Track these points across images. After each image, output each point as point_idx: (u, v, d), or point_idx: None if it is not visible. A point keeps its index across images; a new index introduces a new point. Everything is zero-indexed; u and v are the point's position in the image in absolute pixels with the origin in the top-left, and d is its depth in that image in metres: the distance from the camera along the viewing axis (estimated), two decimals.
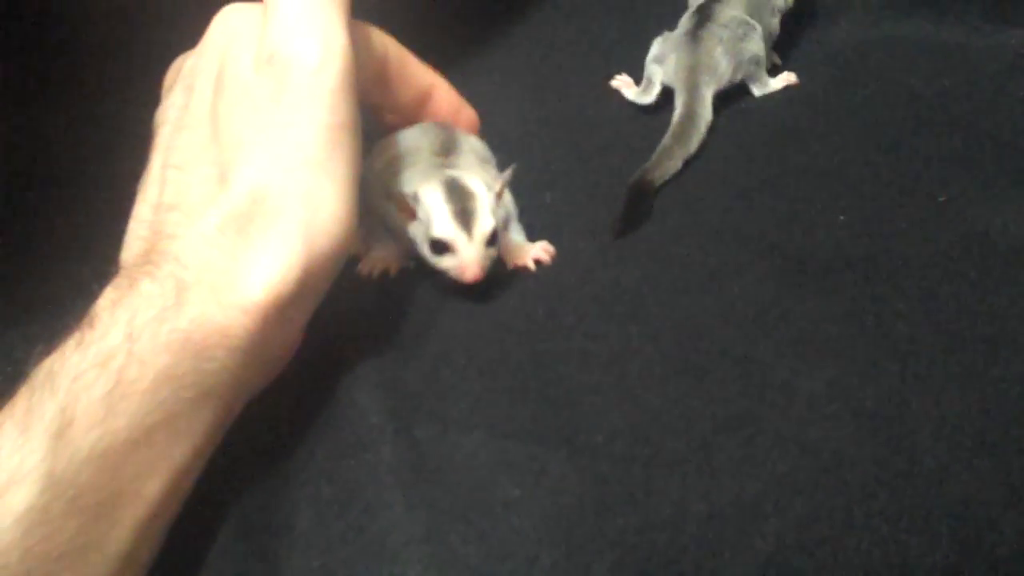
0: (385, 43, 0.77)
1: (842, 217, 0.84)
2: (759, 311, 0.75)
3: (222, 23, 0.69)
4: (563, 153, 0.94)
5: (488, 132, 0.88)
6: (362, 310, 0.77)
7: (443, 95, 0.83)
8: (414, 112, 0.82)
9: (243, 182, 0.64)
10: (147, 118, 0.73)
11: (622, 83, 1.03)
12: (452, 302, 0.77)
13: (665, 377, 0.70)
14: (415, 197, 0.76)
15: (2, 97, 0.91)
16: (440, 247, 0.75)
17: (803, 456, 0.65)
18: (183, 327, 0.59)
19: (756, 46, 1.02)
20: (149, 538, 0.60)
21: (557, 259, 0.81)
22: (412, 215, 0.76)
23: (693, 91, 0.98)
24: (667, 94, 0.99)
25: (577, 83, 1.02)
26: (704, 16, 1.03)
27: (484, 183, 0.77)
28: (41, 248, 0.87)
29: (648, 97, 1.01)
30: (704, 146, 0.94)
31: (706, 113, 0.97)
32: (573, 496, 0.63)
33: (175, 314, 0.59)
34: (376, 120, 0.84)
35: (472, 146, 0.84)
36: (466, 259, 0.74)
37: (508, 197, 0.81)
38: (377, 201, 0.80)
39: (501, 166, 0.85)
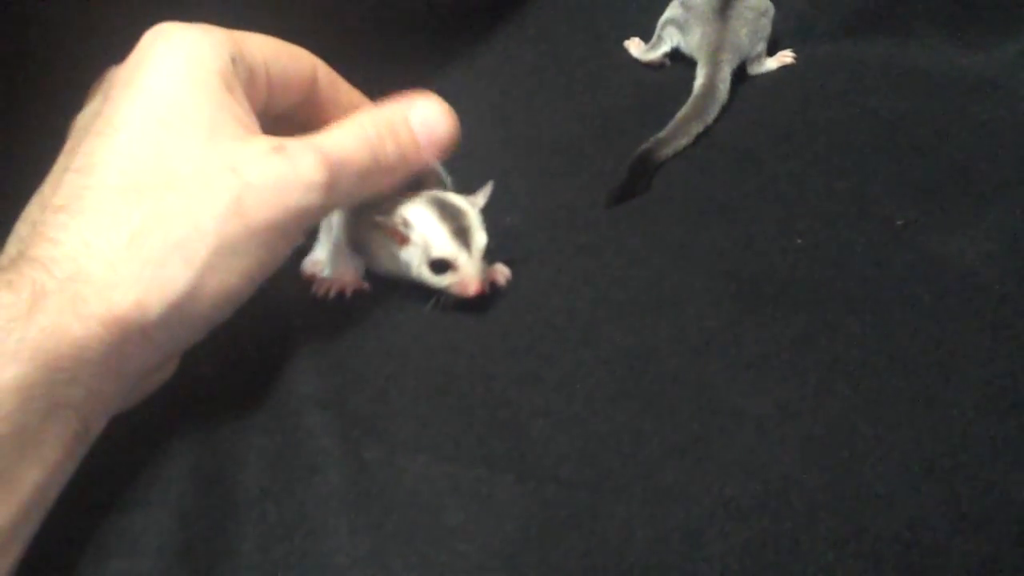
0: (315, 64, 0.76)
1: (799, 241, 0.84)
2: (712, 335, 0.75)
3: (152, 39, 0.67)
4: (525, 176, 0.94)
5: (453, 154, 0.88)
6: (315, 331, 0.77)
7: None
8: None
9: (146, 200, 0.62)
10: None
11: (631, 43, 1.10)
12: (405, 324, 0.77)
13: (615, 401, 0.70)
14: (406, 222, 0.76)
15: None
16: (441, 266, 0.76)
17: (750, 480, 0.65)
18: (32, 336, 0.56)
19: (770, 26, 1.08)
20: None
21: (513, 282, 0.81)
22: (404, 240, 0.76)
23: (716, 66, 1.04)
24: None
25: (540, 106, 1.02)
26: None
27: (468, 200, 0.78)
28: None
29: (654, 54, 1.08)
30: (661, 172, 0.94)
31: (725, 87, 1.03)
32: (519, 521, 0.63)
33: (24, 324, 0.56)
34: None
35: (431, 169, 0.84)
36: (468, 275, 0.75)
37: None
38: (341, 225, 0.81)
39: (463, 189, 0.84)
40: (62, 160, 0.67)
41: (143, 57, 0.67)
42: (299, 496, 0.65)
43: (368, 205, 0.79)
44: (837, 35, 1.10)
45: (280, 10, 0.89)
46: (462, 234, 0.75)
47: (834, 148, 0.96)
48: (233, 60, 0.67)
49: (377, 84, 0.89)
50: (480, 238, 0.76)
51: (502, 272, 0.81)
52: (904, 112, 1.00)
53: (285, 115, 0.75)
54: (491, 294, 0.80)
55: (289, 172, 0.65)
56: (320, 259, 0.83)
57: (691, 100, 1.01)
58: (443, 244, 0.75)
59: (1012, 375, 0.73)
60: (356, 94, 0.79)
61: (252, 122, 0.68)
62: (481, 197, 0.79)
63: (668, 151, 0.94)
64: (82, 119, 0.70)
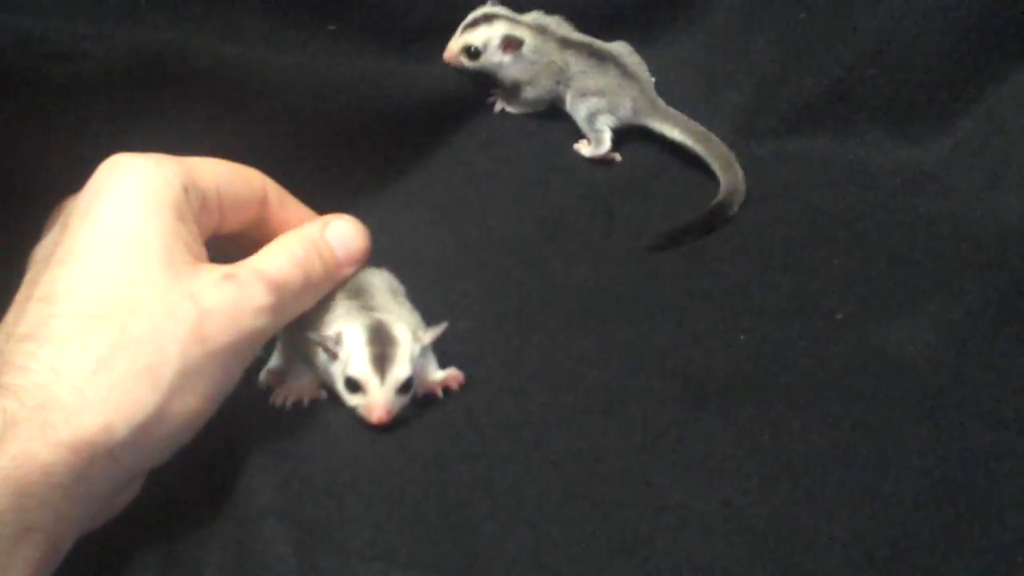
0: (265, 184, 0.79)
1: (742, 337, 0.87)
2: (658, 434, 0.78)
3: (108, 171, 0.70)
4: (478, 279, 0.96)
5: (402, 260, 0.90)
6: (272, 441, 0.78)
7: None
8: None
9: (111, 327, 0.65)
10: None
11: (581, 145, 1.13)
12: (359, 432, 0.78)
13: (564, 503, 0.72)
14: (338, 338, 0.78)
15: None
16: (353, 385, 0.78)
17: None
18: (3, 464, 0.58)
19: None
20: None
21: (465, 386, 0.83)
22: (335, 355, 0.78)
23: (667, 113, 1.12)
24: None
25: (493, 209, 1.05)
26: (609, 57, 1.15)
27: (411, 331, 0.79)
28: None
29: (603, 147, 1.11)
30: (611, 272, 0.97)
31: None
32: None
33: None
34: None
35: (382, 280, 0.86)
36: (374, 401, 0.77)
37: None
38: (296, 338, 0.82)
39: (417, 293, 0.87)
40: (24, 290, 0.69)
41: (99, 187, 0.70)
42: None
43: (313, 318, 0.81)
44: (779, 132, 1.12)
45: (239, 118, 0.93)
46: (382, 361, 0.77)
47: (777, 244, 0.98)
48: (185, 189, 0.71)
49: (333, 190, 0.92)
50: (399, 371, 0.77)
51: (455, 377, 0.83)
52: (845, 207, 1.03)
53: (237, 233, 0.78)
54: (445, 398, 0.82)
55: (241, 299, 0.69)
56: (276, 369, 0.85)
57: (696, 146, 1.09)
58: (359, 365, 0.77)
59: (949, 464, 0.75)
60: (304, 210, 0.83)
61: (201, 250, 0.72)
62: (430, 335, 0.81)
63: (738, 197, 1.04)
64: (41, 250, 0.73)
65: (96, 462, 0.62)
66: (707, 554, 0.68)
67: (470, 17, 1.11)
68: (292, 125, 0.97)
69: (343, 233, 0.80)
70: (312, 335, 0.79)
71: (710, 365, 0.84)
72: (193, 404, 0.68)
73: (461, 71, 1.12)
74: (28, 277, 0.71)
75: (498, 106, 1.15)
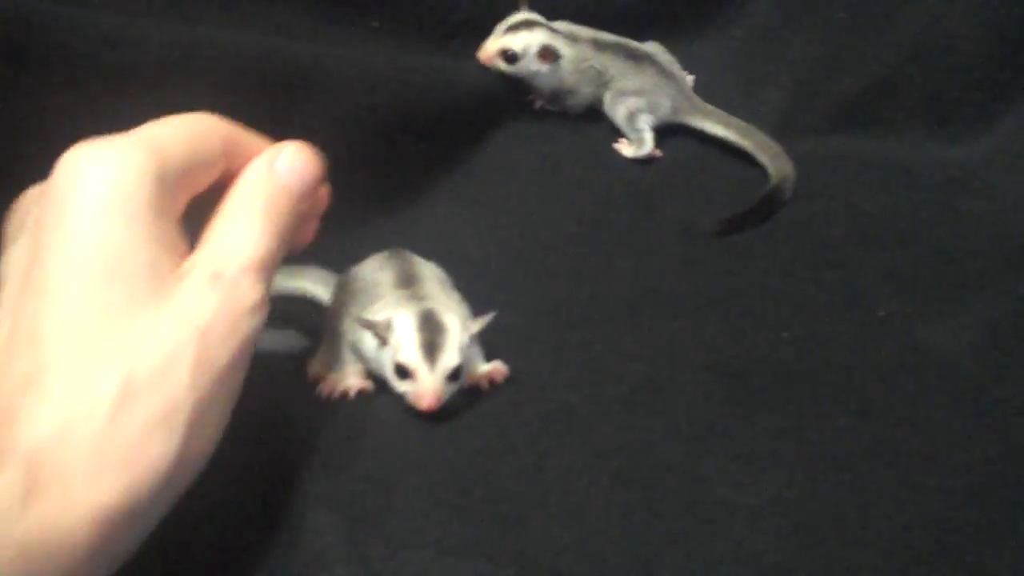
0: (223, 133, 0.70)
1: (785, 334, 0.87)
2: (703, 428, 0.78)
3: (72, 171, 0.61)
4: (522, 276, 0.97)
5: (447, 255, 0.91)
6: (320, 431, 0.79)
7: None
8: None
9: (113, 370, 0.58)
10: None
11: (621, 145, 1.13)
12: (407, 422, 0.79)
13: (611, 495, 0.73)
14: (389, 324, 0.79)
15: None
16: (403, 372, 0.78)
17: (743, 571, 0.67)
18: (21, 532, 0.54)
19: None
20: None
21: (510, 379, 0.83)
22: (385, 341, 0.79)
23: (706, 110, 1.14)
24: None
25: (536, 207, 1.06)
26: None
27: (460, 321, 0.80)
28: None
29: (646, 148, 1.12)
30: (653, 267, 0.98)
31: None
32: None
33: (15, 520, 0.54)
34: None
35: (431, 272, 0.87)
36: (423, 388, 0.77)
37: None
38: (344, 327, 0.83)
39: (459, 288, 0.88)
40: (5, 322, 0.61)
41: (67, 193, 0.61)
42: None
43: (362, 306, 0.82)
44: (820, 130, 1.13)
45: (286, 112, 0.94)
46: (432, 349, 0.78)
47: (817, 242, 0.99)
48: (160, 179, 0.62)
49: (376, 186, 0.93)
50: (449, 359, 0.78)
51: (499, 370, 0.83)
52: (886, 205, 1.04)
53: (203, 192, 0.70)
54: (490, 391, 0.82)
55: (234, 301, 0.63)
56: (325, 360, 0.85)
57: (741, 140, 1.11)
58: (409, 352, 0.78)
59: (994, 461, 0.75)
60: (254, 138, 0.73)
61: (182, 242, 0.65)
62: (478, 324, 0.81)
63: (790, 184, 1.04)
64: (10, 262, 0.65)
65: (119, 525, 0.57)
66: (753, 547, 0.68)
67: (510, 20, 1.11)
68: (339, 120, 0.98)
69: (295, 167, 0.71)
70: (362, 319, 0.80)
71: (754, 361, 0.84)
72: (209, 435, 0.62)
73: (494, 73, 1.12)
74: (3, 296, 0.63)
75: (538, 103, 1.15)
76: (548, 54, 1.10)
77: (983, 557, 0.69)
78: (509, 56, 1.10)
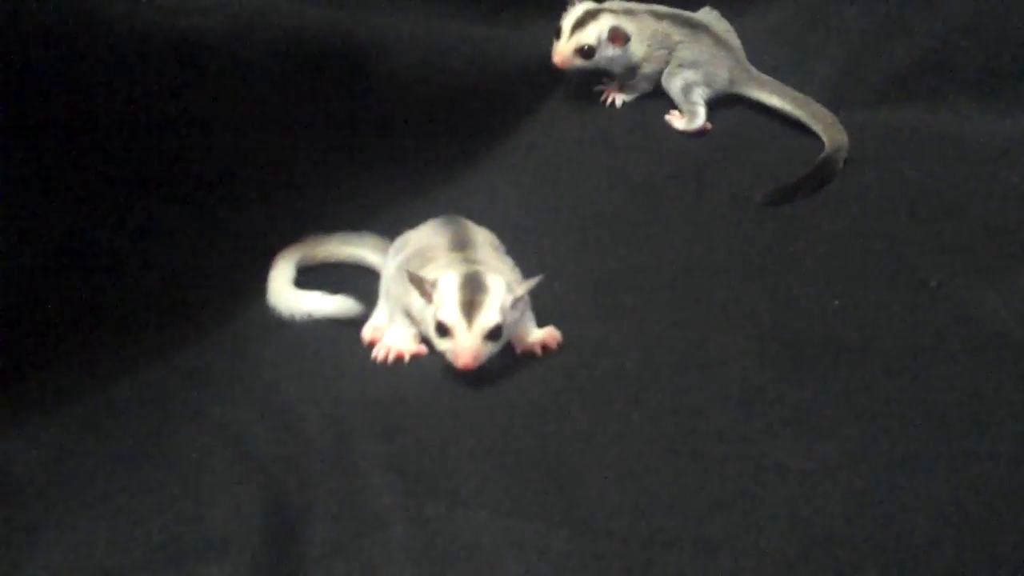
0: None
1: (836, 303, 0.87)
2: (754, 394, 0.79)
3: None
4: (572, 244, 0.98)
5: (500, 223, 0.92)
6: (376, 395, 0.81)
7: None
8: None
9: None
10: None
11: (673, 117, 1.13)
12: (462, 387, 0.81)
13: (664, 457, 0.74)
14: (434, 283, 0.80)
15: None
16: (443, 329, 0.80)
17: (795, 532, 0.68)
18: None
19: None
20: None
21: (563, 345, 0.85)
22: (429, 298, 0.81)
23: (760, 80, 1.13)
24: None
25: (585, 177, 1.06)
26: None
27: (505, 283, 0.81)
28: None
29: (699, 121, 1.12)
30: (703, 236, 0.98)
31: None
32: (575, 572, 0.66)
33: None
34: None
35: (485, 237, 0.88)
36: (461, 346, 0.79)
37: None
38: (399, 290, 0.85)
39: (512, 256, 0.89)
40: None
41: None
42: (366, 551, 0.69)
43: (416, 267, 0.83)
44: (869, 103, 1.13)
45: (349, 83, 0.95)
46: (471, 308, 0.79)
47: (868, 212, 0.99)
48: None
49: (431, 159, 0.94)
50: (488, 318, 0.79)
51: (552, 336, 0.84)
52: (936, 176, 1.04)
53: None
54: (543, 356, 0.84)
55: None
56: (379, 325, 0.87)
57: (797, 110, 1.11)
58: (448, 310, 0.79)
59: None
60: None
61: None
62: (525, 286, 0.83)
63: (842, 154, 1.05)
64: None
65: None
66: (805, 511, 0.69)
67: (572, 17, 1.09)
68: (394, 91, 0.99)
69: None
70: (411, 274, 0.81)
71: (805, 328, 0.85)
72: None
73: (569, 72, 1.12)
74: None
75: (612, 99, 1.15)
76: (619, 35, 1.10)
77: None
78: (587, 51, 1.09)
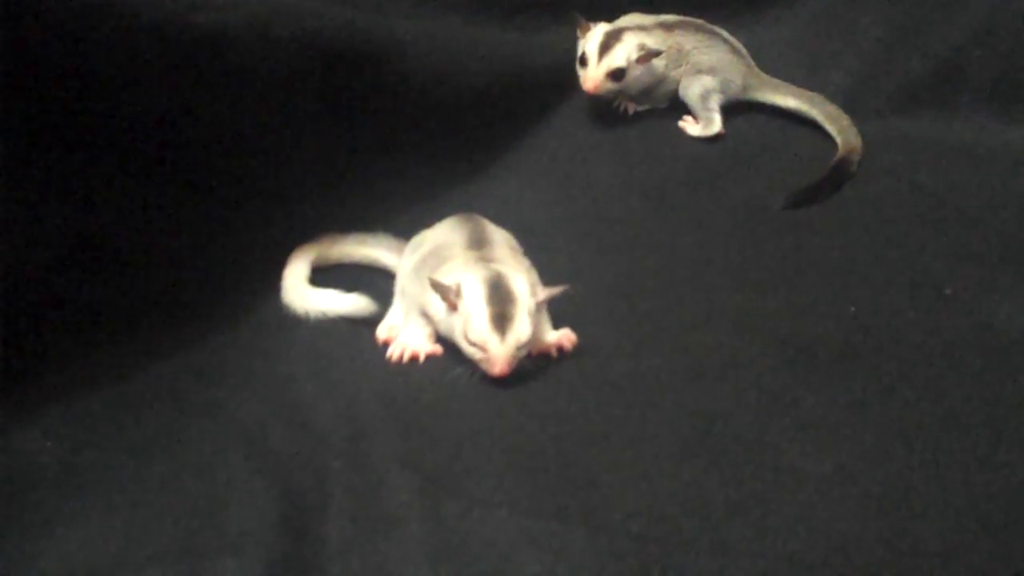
0: None
1: (852, 309, 0.87)
2: (771, 398, 0.79)
3: None
4: (588, 248, 0.98)
5: (515, 226, 0.93)
6: (391, 394, 0.81)
7: None
8: None
9: None
10: None
11: (686, 123, 1.13)
12: (477, 386, 0.81)
13: (680, 460, 0.74)
14: (458, 290, 0.80)
15: None
16: (474, 345, 0.80)
17: (812, 536, 0.68)
18: None
19: None
20: None
21: (579, 347, 0.85)
22: (454, 307, 0.80)
23: (774, 83, 1.14)
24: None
25: (600, 180, 1.07)
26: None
27: (528, 285, 0.81)
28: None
29: (715, 127, 1.12)
30: (718, 241, 0.98)
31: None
32: (592, 572, 0.66)
33: None
34: None
35: (503, 236, 0.89)
36: (495, 357, 0.79)
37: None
38: (415, 290, 0.85)
39: (529, 258, 0.89)
40: None
41: None
42: (381, 548, 0.69)
43: (432, 265, 0.83)
44: (883, 112, 1.13)
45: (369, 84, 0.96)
46: (502, 320, 0.79)
47: (882, 220, 0.99)
48: None
49: (447, 164, 0.94)
50: (520, 330, 0.79)
51: (568, 338, 0.84)
52: (950, 186, 1.04)
53: None
54: (558, 358, 0.84)
55: None
56: (394, 324, 0.87)
57: (811, 111, 1.12)
58: (479, 328, 0.79)
59: None
60: None
61: None
62: (547, 292, 0.83)
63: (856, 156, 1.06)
64: None
65: None
66: (823, 515, 0.69)
67: (596, 42, 1.07)
68: (410, 92, 0.99)
69: None
70: (433, 281, 0.81)
71: (821, 334, 0.85)
72: None
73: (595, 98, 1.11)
74: None
75: (625, 106, 1.15)
76: (648, 54, 1.09)
77: None
78: (618, 75, 1.08)
